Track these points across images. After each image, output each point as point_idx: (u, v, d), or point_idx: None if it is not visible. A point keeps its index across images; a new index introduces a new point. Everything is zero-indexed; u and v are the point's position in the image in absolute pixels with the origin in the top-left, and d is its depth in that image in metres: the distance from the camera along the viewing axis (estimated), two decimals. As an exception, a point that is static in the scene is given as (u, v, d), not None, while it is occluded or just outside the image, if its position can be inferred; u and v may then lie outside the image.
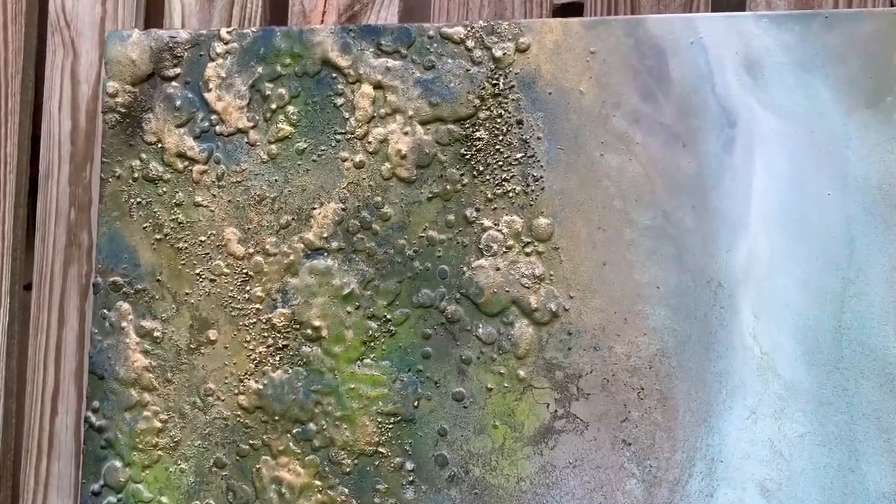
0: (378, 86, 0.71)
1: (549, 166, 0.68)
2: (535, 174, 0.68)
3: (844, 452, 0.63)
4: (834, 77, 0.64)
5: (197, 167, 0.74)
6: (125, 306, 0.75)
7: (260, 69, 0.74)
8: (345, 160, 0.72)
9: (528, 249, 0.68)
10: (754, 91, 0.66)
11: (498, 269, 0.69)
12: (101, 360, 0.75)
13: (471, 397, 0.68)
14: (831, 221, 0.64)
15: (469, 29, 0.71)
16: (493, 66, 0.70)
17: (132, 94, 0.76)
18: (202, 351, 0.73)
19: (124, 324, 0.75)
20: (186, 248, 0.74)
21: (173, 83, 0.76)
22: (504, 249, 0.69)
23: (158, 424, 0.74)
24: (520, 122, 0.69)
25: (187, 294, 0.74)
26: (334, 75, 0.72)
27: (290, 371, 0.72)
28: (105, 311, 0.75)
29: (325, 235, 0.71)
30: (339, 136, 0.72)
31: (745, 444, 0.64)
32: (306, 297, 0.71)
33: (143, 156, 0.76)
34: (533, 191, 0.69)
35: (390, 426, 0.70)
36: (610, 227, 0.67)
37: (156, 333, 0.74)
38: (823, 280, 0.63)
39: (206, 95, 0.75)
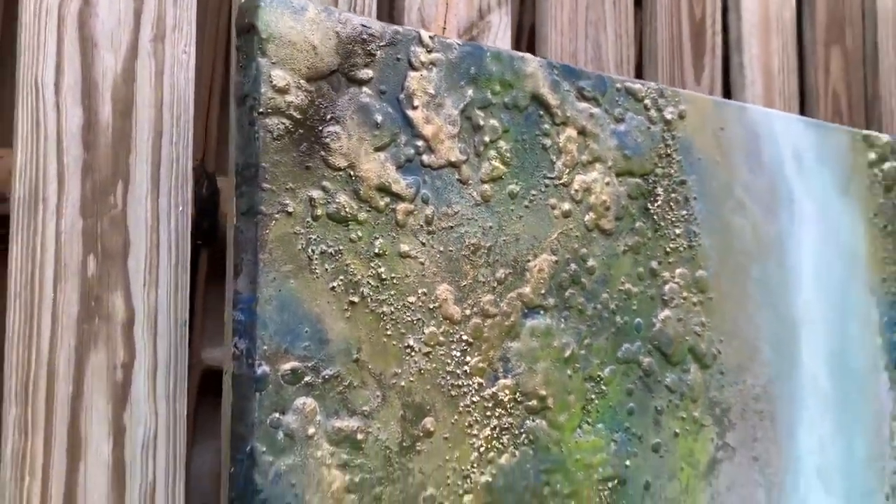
0: (582, 131, 0.52)
1: (703, 224, 0.57)
2: (694, 230, 0.57)
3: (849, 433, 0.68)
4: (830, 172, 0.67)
5: (402, 206, 0.44)
6: (310, 404, 0.41)
7: (471, 92, 0.48)
8: (553, 207, 0.50)
9: (694, 300, 0.57)
10: (801, 176, 0.66)
11: (679, 319, 0.56)
12: (278, 493, 0.43)
13: (665, 446, 0.54)
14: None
15: (646, 88, 0.56)
16: (664, 127, 0.56)
17: (308, 95, 0.42)
18: (418, 448, 0.44)
19: (311, 430, 0.41)
20: (392, 313, 0.43)
21: (365, 89, 0.44)
22: (681, 300, 0.56)
23: (368, 564, 0.42)
24: (683, 182, 0.57)
25: (396, 375, 0.43)
26: (541, 113, 0.50)
27: (518, 453, 0.47)
28: (277, 415, 0.40)
29: (542, 291, 0.49)
30: (546, 181, 0.50)
31: (810, 444, 0.67)
32: (530, 364, 0.48)
33: (328, 185, 0.42)
34: (692, 245, 0.57)
35: (607, 492, 0.51)
36: (739, 280, 0.60)
37: (358, 436, 0.42)
38: (851, 322, 0.70)
39: (411, 114, 0.45)
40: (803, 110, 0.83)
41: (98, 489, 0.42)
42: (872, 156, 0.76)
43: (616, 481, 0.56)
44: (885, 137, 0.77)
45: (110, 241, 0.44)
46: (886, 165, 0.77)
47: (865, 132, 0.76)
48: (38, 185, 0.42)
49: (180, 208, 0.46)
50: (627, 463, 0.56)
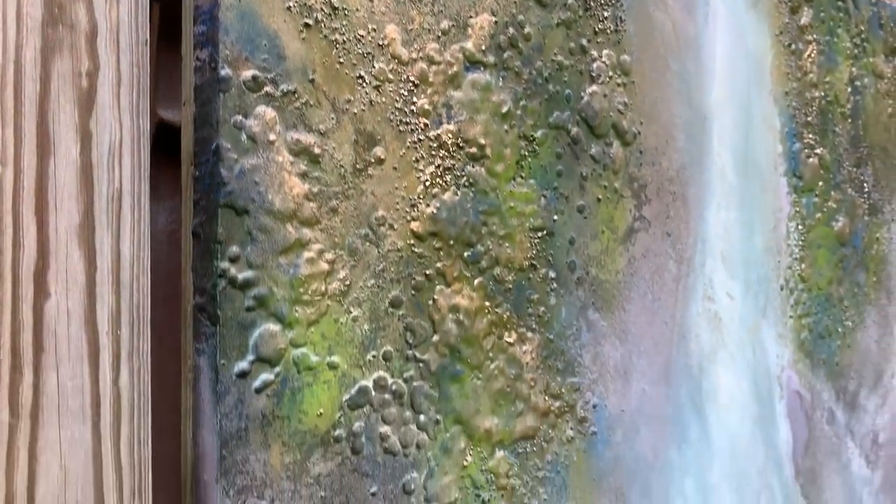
0: None
1: (629, 12, 0.63)
2: (620, 16, 0.62)
3: (750, 225, 0.77)
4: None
5: (353, -59, 0.48)
6: (270, 113, 0.45)
7: None
8: (494, -28, 0.55)
9: (618, 80, 0.63)
10: (714, -18, 0.71)
11: (605, 95, 0.62)
12: (243, 187, 0.45)
13: (588, 208, 0.61)
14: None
15: None
16: (596, -86, 0.61)
17: None
18: (370, 173, 0.49)
19: (272, 136, 0.45)
20: (344, 42, 0.48)
21: None
22: (607, 79, 0.62)
23: (325, 266, 0.47)
24: (612, -30, 0.62)
25: (349, 101, 0.48)
26: None
27: (459, 193, 0.53)
28: (240, 117, 0.44)
29: (483, 48, 0.54)
30: (487, -55, 0.54)
31: (716, 229, 0.72)
32: (471, 113, 0.53)
33: None
34: (618, 30, 0.62)
35: (537, 240, 0.57)
36: (659, 69, 0.66)
37: (315, 150, 0.47)
38: (756, 125, 0.78)
39: None
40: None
41: (69, 186, 0.45)
42: (782, -23, 0.82)
43: (545, 232, 0.61)
44: (794, -40, 0.83)
45: (70, -46, 0.45)
46: (794, -11, 0.83)
47: (777, -48, 0.82)
48: None
49: (137, -68, 0.47)
50: (555, 218, 0.62)
